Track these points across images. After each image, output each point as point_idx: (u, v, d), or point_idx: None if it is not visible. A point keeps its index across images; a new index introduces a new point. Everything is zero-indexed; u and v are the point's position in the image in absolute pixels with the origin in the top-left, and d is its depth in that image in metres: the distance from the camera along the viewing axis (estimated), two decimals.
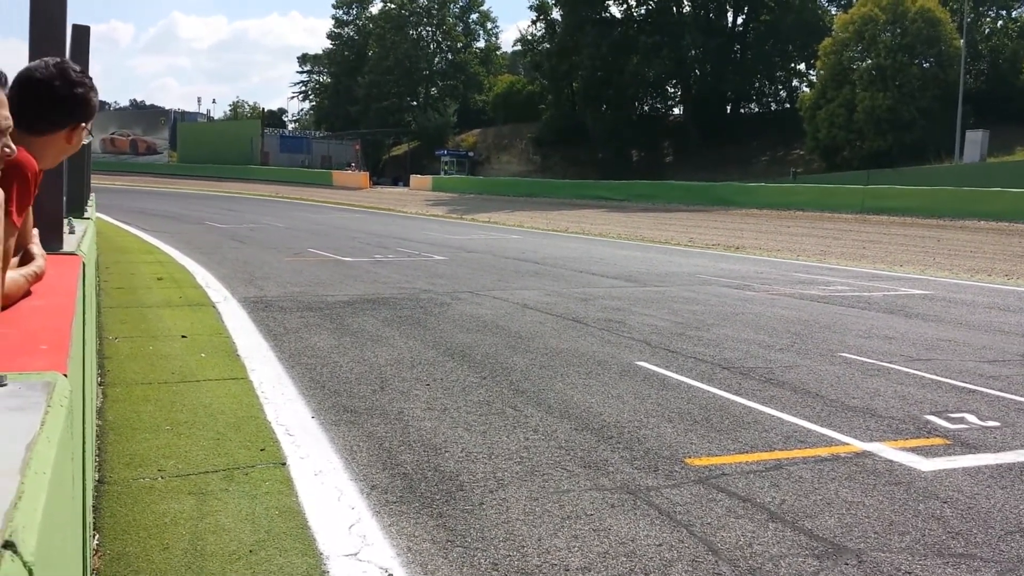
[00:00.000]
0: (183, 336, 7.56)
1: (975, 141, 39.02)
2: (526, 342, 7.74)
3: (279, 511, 3.72)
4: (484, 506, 3.84)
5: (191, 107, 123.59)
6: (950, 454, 4.74)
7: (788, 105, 61.04)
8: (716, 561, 3.34)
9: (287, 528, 3.54)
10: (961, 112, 38.55)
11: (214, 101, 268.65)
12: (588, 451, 4.66)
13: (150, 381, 5.92)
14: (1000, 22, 50.86)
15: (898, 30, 43.02)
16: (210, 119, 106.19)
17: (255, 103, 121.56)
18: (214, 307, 9.37)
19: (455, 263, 15.27)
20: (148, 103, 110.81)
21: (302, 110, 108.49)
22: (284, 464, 4.32)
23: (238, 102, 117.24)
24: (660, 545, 3.47)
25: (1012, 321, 9.69)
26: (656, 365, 6.85)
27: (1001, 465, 4.57)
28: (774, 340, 8.12)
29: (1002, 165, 36.46)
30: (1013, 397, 6.04)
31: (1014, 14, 51.62)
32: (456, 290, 11.34)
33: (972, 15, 45.76)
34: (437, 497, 3.94)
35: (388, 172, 74.05)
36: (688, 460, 4.54)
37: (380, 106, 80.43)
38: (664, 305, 10.36)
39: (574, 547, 3.44)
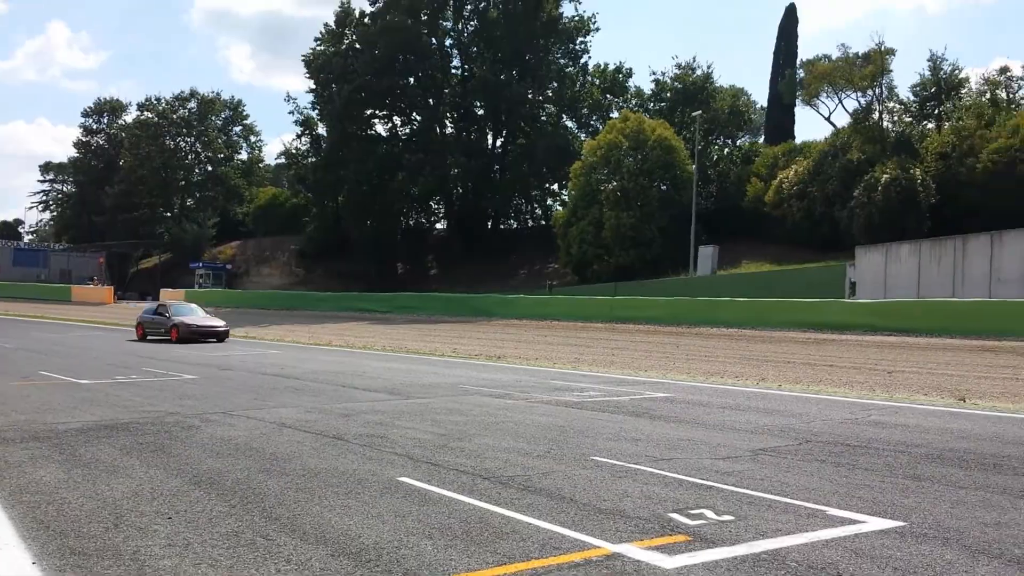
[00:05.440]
0: None
1: (707, 256, 43.36)
2: (282, 464, 7.40)
3: None
4: None
5: None
6: (691, 550, 5.00)
7: (544, 222, 64.83)
8: None
9: None
10: (694, 229, 42.87)
11: None
12: None
13: None
14: (726, 149, 57.64)
15: (639, 156, 47.54)
16: None
17: None
18: None
19: (207, 382, 14.47)
20: None
21: (41, 221, 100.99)
22: None
23: None
24: None
25: (742, 419, 10.58)
26: (418, 480, 6.77)
27: (736, 557, 4.88)
28: (532, 447, 8.32)
29: (731, 277, 40.58)
30: (745, 491, 6.53)
31: (738, 142, 58.88)
32: (207, 411, 10.71)
33: (702, 143, 51.46)
34: None
35: (136, 286, 69.92)
36: None
37: (129, 216, 76.45)
38: (427, 417, 10.36)
39: None
